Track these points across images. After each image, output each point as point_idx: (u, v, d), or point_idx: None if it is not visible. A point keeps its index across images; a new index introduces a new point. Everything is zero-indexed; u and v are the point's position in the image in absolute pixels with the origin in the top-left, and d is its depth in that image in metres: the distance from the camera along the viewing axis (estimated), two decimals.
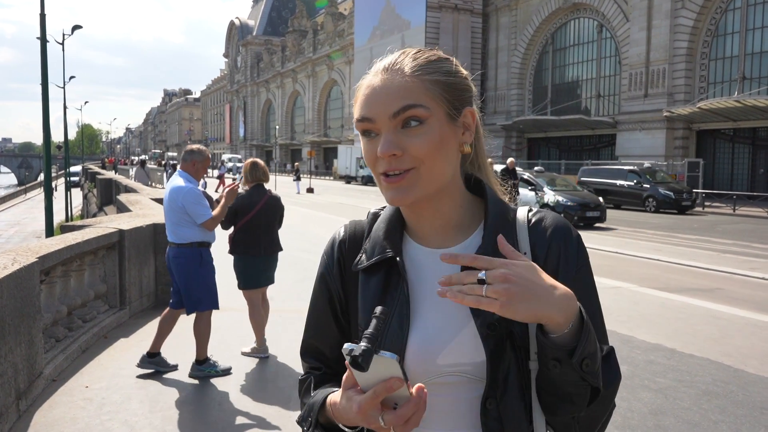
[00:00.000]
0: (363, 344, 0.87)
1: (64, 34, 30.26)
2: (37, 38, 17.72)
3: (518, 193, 17.44)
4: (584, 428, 1.05)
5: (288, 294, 8.20)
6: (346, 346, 0.89)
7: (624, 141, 35.63)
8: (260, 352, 5.56)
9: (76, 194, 43.12)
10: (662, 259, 11.53)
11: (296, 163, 37.07)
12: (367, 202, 26.59)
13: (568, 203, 17.79)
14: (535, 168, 23.24)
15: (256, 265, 5.61)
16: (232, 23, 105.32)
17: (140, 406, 4.35)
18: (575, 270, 1.07)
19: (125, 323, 6.61)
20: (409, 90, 1.02)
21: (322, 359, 1.19)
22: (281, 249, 5.88)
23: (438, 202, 1.09)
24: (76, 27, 30.21)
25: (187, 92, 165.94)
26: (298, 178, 34.82)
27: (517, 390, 1.03)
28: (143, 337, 6.12)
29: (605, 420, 1.06)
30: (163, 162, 47.55)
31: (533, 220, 1.12)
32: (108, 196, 22.71)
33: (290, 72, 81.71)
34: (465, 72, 1.14)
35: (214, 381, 4.89)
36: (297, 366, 5.23)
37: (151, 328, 6.47)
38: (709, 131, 33.44)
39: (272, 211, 5.72)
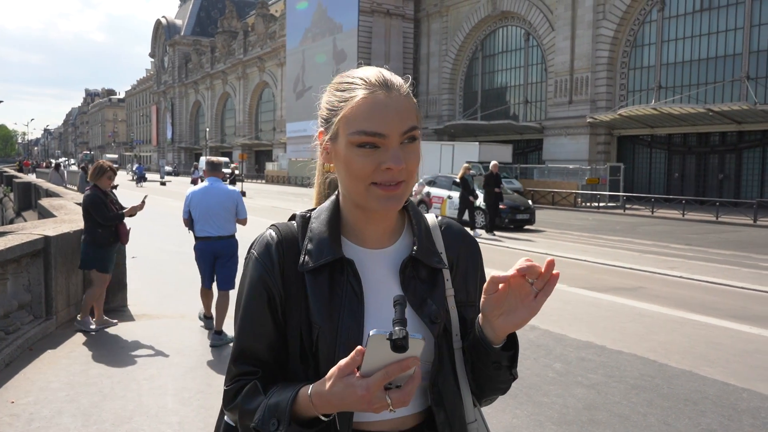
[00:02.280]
0: (400, 328, 0.96)
1: None
2: None
3: (502, 200, 17.20)
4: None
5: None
6: (375, 331, 0.96)
7: (550, 146, 36.89)
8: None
9: None
10: (589, 260, 12.01)
11: (232, 165, 36.25)
12: (301, 205, 26.33)
13: (499, 206, 18.21)
14: (470, 171, 23.61)
15: None
16: (158, 22, 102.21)
17: (72, 421, 4.17)
18: (480, 270, 1.34)
19: (52, 334, 6.31)
20: (411, 111, 1.15)
21: (258, 363, 1.19)
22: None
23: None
24: None
25: (111, 92, 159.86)
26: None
27: (450, 367, 1.23)
28: (72, 348, 5.86)
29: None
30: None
31: (443, 227, 1.32)
32: (27, 200, 21.57)
33: (220, 73, 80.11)
34: None
35: (153, 393, 4.74)
36: None
37: (82, 338, 6.22)
38: (629, 137, 35.10)
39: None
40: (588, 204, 29.28)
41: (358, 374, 0.99)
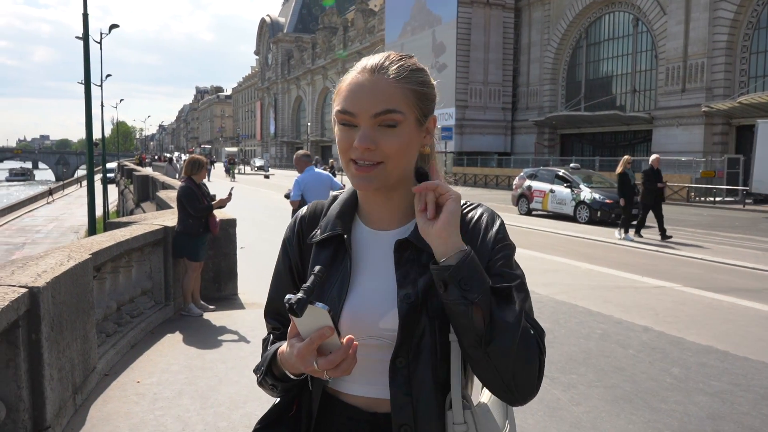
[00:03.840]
0: (299, 294, 1.03)
1: (102, 33, 30.82)
2: (77, 37, 18.13)
3: (664, 200, 14.27)
4: (501, 366, 1.12)
5: None
6: (287, 297, 1.03)
7: (660, 137, 34.95)
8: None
9: (112, 191, 43.97)
10: (706, 258, 11.27)
11: (331, 161, 37.22)
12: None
13: (605, 200, 17.51)
14: (571, 165, 22.86)
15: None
16: (263, 21, 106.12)
17: (191, 402, 4.39)
18: (492, 246, 1.22)
19: (170, 319, 6.70)
20: (391, 95, 1.17)
21: (281, 320, 1.33)
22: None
23: (392, 192, 1.26)
24: (113, 26, 30.73)
25: (219, 89, 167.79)
26: (333, 174, 34.97)
27: (428, 355, 1.18)
28: (189, 333, 6.20)
29: (525, 361, 1.12)
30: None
31: (464, 210, 1.29)
32: (145, 192, 23.09)
33: (320, 69, 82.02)
34: (434, 82, 1.27)
35: None
36: None
37: (197, 323, 6.56)
38: (750, 126, 32.55)
39: None
40: (702, 199, 27.54)
41: (298, 338, 1.09)
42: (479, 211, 1.30)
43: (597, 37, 42.57)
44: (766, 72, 31.52)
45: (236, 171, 45.62)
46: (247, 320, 6.70)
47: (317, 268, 1.09)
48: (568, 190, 18.69)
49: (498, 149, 47.88)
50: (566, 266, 10.27)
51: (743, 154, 30.21)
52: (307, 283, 1.05)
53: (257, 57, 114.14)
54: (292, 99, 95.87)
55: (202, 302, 7.11)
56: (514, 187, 21.75)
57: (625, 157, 14.12)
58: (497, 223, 1.27)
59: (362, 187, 1.22)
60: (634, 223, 14.25)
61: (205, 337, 6.07)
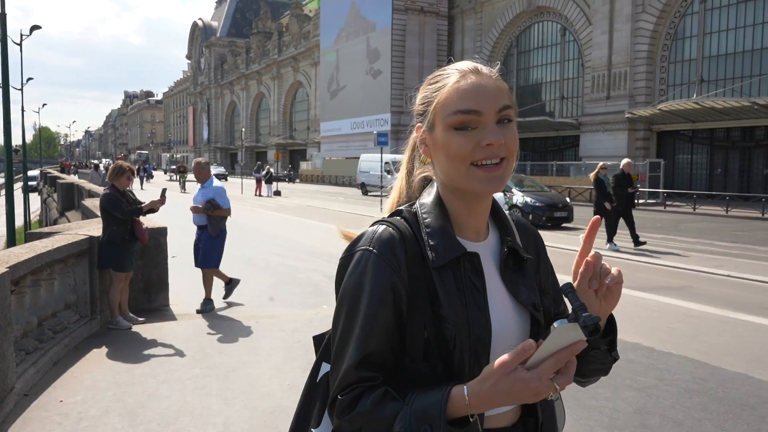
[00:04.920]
0: (587, 314, 1.00)
1: (22, 35, 29.36)
2: None
3: (635, 206, 14.02)
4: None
5: (262, 300, 8.09)
6: (559, 322, 0.99)
7: (587, 142, 36.27)
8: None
9: (34, 200, 41.91)
10: (631, 258, 11.74)
11: (267, 166, 36.68)
12: (336, 204, 26.47)
13: (537, 204, 18.00)
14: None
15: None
16: (195, 24, 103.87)
17: (119, 420, 4.21)
18: (548, 261, 1.39)
19: (97, 333, 6.42)
20: (504, 92, 1.19)
21: (381, 368, 1.14)
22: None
23: (490, 199, 1.27)
24: (34, 27, 29.33)
25: (149, 94, 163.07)
26: (269, 181, 34.45)
27: None
28: (116, 347, 5.95)
29: None
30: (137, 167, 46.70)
31: (513, 219, 1.36)
32: (70, 201, 22.11)
33: (255, 74, 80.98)
34: None
35: (197, 394, 4.76)
36: (279, 374, 5.14)
37: (126, 336, 6.31)
38: (669, 132, 34.26)
39: None
40: None
41: (522, 368, 1.01)
42: (521, 219, 1.40)
43: (527, 46, 43.84)
44: (684, 80, 33.25)
45: (186, 180, 39.81)
46: (179, 332, 6.49)
47: (566, 285, 1.08)
48: (501, 194, 19.06)
49: None
50: None
51: (663, 158, 31.74)
52: (578, 302, 1.03)
53: (189, 61, 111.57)
54: (226, 104, 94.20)
55: (131, 314, 6.85)
56: None
57: (601, 163, 13.87)
58: (542, 238, 1.42)
59: (493, 188, 1.17)
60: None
61: (134, 350, 5.84)
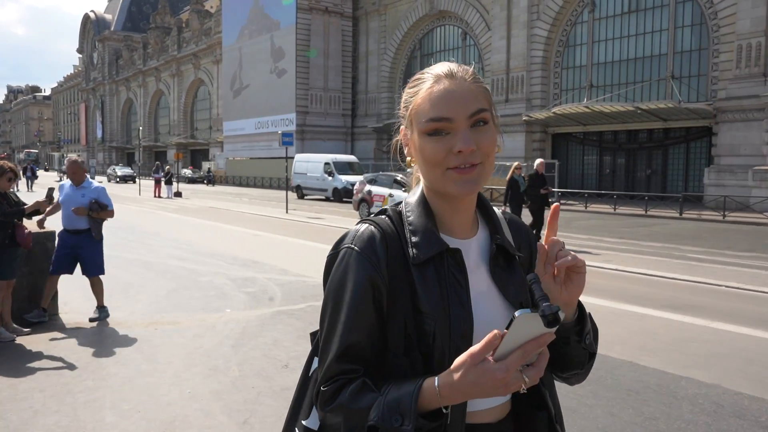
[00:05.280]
0: (548, 303, 0.98)
1: None
2: None
3: (548, 206, 13.07)
4: (581, 377, 1.32)
5: (162, 305, 7.78)
6: (520, 311, 0.98)
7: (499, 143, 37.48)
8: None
9: None
10: None
11: (167, 166, 35.20)
12: (242, 206, 25.90)
13: None
14: (408, 169, 23.75)
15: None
16: (86, 17, 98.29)
17: None
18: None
19: None
20: (477, 95, 1.19)
21: (361, 361, 1.18)
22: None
23: (474, 197, 1.28)
24: None
25: (35, 89, 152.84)
26: (169, 182, 33.14)
27: None
28: (0, 361, 5.52)
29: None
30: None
31: (506, 218, 1.39)
32: None
33: (153, 70, 77.76)
34: None
35: (89, 407, 4.49)
36: (179, 382, 4.96)
37: (9, 349, 5.86)
38: (563, 134, 36.12)
39: None
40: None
41: (491, 359, 1.01)
42: (514, 217, 1.42)
43: (430, 48, 44.81)
44: (575, 85, 35.14)
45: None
46: (69, 342, 6.11)
47: (531, 276, 1.06)
48: (406, 194, 19.26)
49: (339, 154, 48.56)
50: None
51: (558, 159, 33.40)
52: (540, 293, 1.01)
53: (81, 56, 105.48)
54: (122, 101, 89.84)
55: (14, 325, 6.37)
56: (354, 192, 22.15)
57: (515, 163, 13.98)
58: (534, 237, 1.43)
59: (467, 191, 1.18)
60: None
61: (18, 364, 5.43)
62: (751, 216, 21.58)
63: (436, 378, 1.07)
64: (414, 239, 1.22)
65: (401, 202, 1.33)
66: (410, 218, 1.26)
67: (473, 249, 1.27)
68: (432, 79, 1.21)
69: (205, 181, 52.54)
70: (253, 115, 52.25)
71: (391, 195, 19.89)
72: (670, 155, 31.74)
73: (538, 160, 14.12)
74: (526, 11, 35.42)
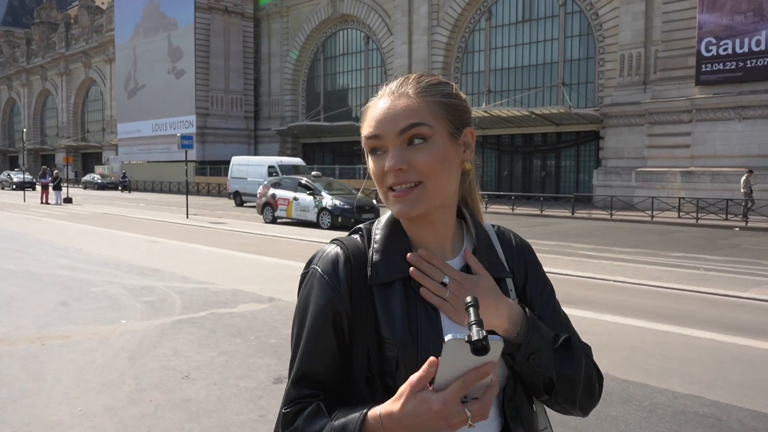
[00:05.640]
0: (478, 329, 0.89)
1: None
2: None
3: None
4: (568, 405, 1.20)
5: (50, 319, 7.29)
6: (450, 336, 0.90)
7: None
8: None
9: None
10: None
11: (56, 171, 33.00)
12: (138, 211, 24.78)
13: (345, 206, 18.48)
14: (312, 173, 23.70)
15: None
16: None
17: None
18: (540, 276, 1.28)
19: None
20: (414, 110, 1.11)
21: (320, 386, 1.13)
22: None
23: (442, 216, 1.17)
24: None
25: None
26: (57, 187, 31.08)
27: (520, 378, 1.18)
28: None
29: (589, 394, 1.21)
30: None
31: (499, 234, 1.29)
32: None
33: (38, 68, 72.88)
34: (464, 95, 1.21)
35: None
36: (68, 400, 4.67)
37: None
38: None
39: None
40: None
41: (431, 388, 0.94)
42: (510, 233, 1.31)
43: (333, 52, 44.85)
44: (474, 90, 36.32)
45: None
46: None
47: (469, 298, 0.95)
48: (311, 197, 19.31)
49: None
50: None
51: None
52: (474, 317, 0.91)
53: None
54: (3, 101, 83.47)
55: None
56: (258, 195, 21.79)
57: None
58: (532, 249, 1.32)
59: (404, 213, 1.11)
60: None
61: None
62: (635, 214, 23.14)
63: (380, 407, 1.01)
64: (375, 259, 1.15)
65: (375, 220, 1.24)
66: (377, 236, 1.19)
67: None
68: (378, 95, 1.18)
69: (120, 188, 46.81)
70: (150, 117, 50.16)
71: (296, 198, 19.72)
72: (562, 158, 33.49)
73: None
74: (427, 17, 36.25)
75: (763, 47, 23.61)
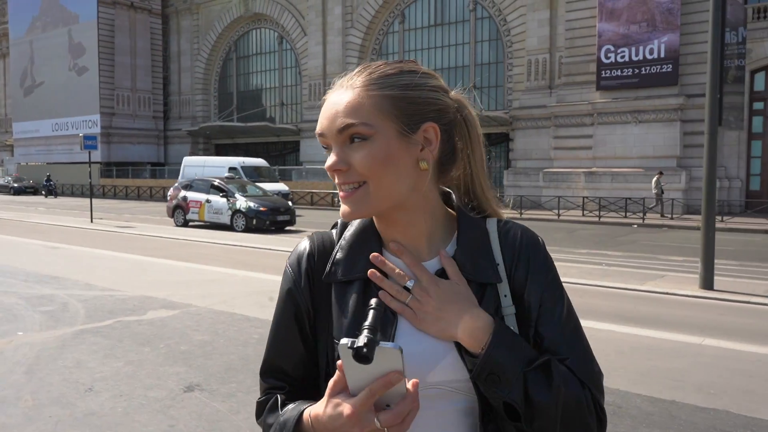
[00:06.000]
0: (365, 334, 0.85)
1: None
2: None
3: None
4: None
5: None
6: (343, 340, 0.86)
7: (307, 148, 37.85)
8: None
9: None
10: None
11: None
12: (36, 216, 23.33)
13: (260, 208, 18.17)
14: (225, 174, 23.17)
15: None
16: None
17: None
18: (545, 282, 1.09)
19: None
20: (355, 107, 1.02)
21: (285, 378, 1.14)
22: None
23: (405, 216, 1.08)
24: None
25: None
26: None
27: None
28: None
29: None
30: None
31: (503, 232, 1.12)
32: None
33: None
34: (435, 84, 1.10)
35: None
36: None
37: None
38: None
39: None
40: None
41: (347, 392, 0.91)
42: (517, 230, 1.13)
43: (246, 51, 44.02)
44: None
45: None
46: None
47: (374, 301, 0.91)
48: (224, 199, 18.87)
49: (151, 159, 45.96)
50: (225, 275, 10.32)
51: None
52: (369, 321, 0.88)
53: None
54: None
55: None
56: (169, 198, 21.08)
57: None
58: (543, 248, 1.12)
59: (348, 215, 1.05)
60: None
61: None
62: (543, 213, 24.11)
63: (312, 407, 0.99)
64: (338, 256, 1.11)
65: None
66: (348, 233, 1.14)
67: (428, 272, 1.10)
68: (334, 86, 1.09)
69: (44, 192, 40.58)
70: (50, 116, 47.34)
71: (208, 201, 19.22)
72: None
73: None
74: (341, 18, 36.28)
75: (656, 55, 25.22)
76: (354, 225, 1.15)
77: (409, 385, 0.90)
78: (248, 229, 18.00)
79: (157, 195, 37.54)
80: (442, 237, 1.12)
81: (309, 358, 1.13)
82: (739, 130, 24.68)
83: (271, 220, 18.08)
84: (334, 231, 1.18)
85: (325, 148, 1.07)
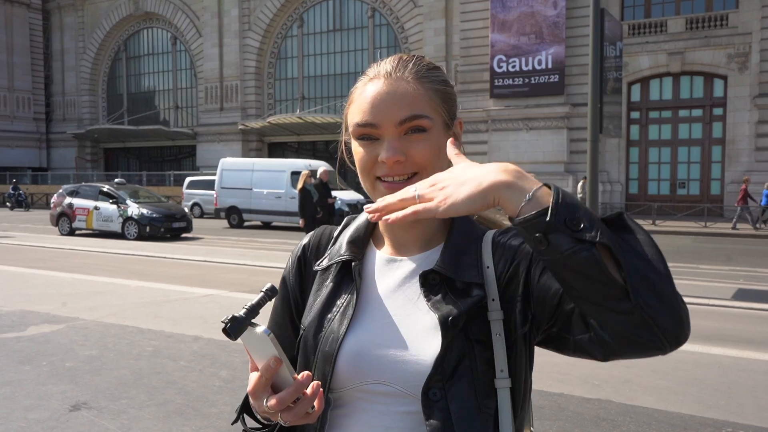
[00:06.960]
0: (239, 312, 0.88)
1: None
2: None
3: (334, 214, 12.37)
4: (664, 323, 0.81)
5: None
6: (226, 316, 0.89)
7: (204, 152, 36.74)
8: None
9: None
10: (247, 263, 12.28)
11: None
12: (5, 225, 21.14)
13: (154, 215, 17.43)
14: (116, 180, 22.03)
15: None
16: None
17: None
18: (527, 274, 0.99)
19: None
20: (415, 98, 1.02)
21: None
22: None
23: None
24: None
25: None
26: None
27: (468, 383, 0.98)
28: None
29: (682, 310, 0.82)
30: None
31: (498, 237, 1.07)
32: None
33: None
34: (452, 82, 1.09)
35: None
36: None
37: None
38: (279, 143, 37.10)
39: None
40: None
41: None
42: (514, 235, 1.05)
43: (137, 51, 42.16)
44: (288, 96, 36.40)
45: None
46: None
47: (268, 285, 0.95)
48: (115, 206, 17.94)
49: (32, 164, 42.95)
50: (115, 286, 9.80)
51: None
52: (252, 301, 0.90)
53: None
54: None
55: None
56: (52, 205, 19.75)
57: (305, 171, 12.08)
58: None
59: None
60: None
61: None
62: None
63: None
64: (332, 248, 1.16)
65: None
66: (347, 228, 1.18)
67: (405, 268, 1.08)
68: (366, 78, 1.07)
69: (10, 205, 33.38)
70: None
71: (96, 208, 18.20)
72: None
73: (321, 168, 12.77)
74: (238, 21, 35.56)
75: (544, 66, 26.59)
76: (356, 221, 1.18)
77: (300, 375, 0.91)
78: (141, 237, 17.21)
79: (39, 202, 35.13)
80: (434, 236, 1.11)
81: (296, 341, 1.16)
82: (618, 137, 26.47)
83: (166, 227, 17.39)
84: (338, 226, 1.23)
85: (365, 139, 1.04)
